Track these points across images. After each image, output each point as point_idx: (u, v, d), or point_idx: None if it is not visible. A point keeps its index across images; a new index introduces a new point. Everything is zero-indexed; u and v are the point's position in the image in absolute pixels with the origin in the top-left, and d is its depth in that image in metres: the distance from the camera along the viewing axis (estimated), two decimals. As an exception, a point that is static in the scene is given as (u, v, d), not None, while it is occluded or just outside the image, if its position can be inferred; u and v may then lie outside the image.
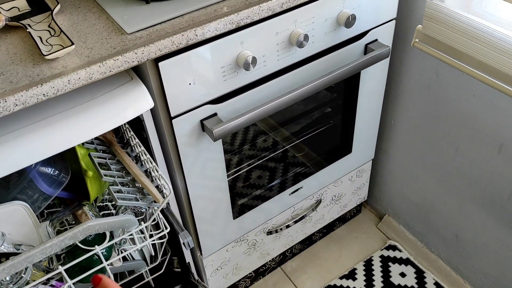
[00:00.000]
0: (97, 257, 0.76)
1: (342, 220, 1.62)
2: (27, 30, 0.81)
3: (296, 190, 1.28)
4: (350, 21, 0.97)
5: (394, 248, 1.55)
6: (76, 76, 0.72)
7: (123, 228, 0.76)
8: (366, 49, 1.09)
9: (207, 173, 1.02)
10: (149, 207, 0.82)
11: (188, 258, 1.20)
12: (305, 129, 1.26)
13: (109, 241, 0.75)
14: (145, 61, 0.78)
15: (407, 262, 1.50)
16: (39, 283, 0.76)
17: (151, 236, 0.91)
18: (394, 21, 1.10)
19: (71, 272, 0.77)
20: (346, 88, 1.19)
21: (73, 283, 0.73)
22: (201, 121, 0.92)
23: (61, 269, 0.71)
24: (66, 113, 0.76)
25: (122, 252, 0.86)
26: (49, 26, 0.83)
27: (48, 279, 0.81)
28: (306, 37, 0.92)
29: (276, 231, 1.33)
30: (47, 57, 0.74)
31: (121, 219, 0.73)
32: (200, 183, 1.02)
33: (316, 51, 1.01)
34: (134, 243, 0.87)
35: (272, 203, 1.24)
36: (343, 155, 1.32)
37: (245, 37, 0.87)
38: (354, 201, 1.54)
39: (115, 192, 0.78)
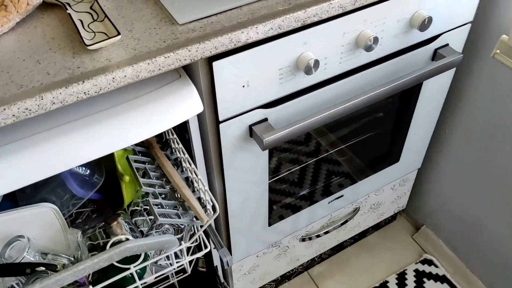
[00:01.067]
0: (130, 275, 0.68)
1: (375, 227, 1.53)
2: (67, 11, 0.72)
3: (336, 198, 1.19)
4: (425, 24, 0.86)
5: (430, 262, 1.46)
6: (121, 74, 0.63)
7: (162, 249, 0.68)
8: (435, 55, 0.97)
9: (248, 179, 0.93)
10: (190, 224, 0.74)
11: (216, 261, 1.13)
12: (353, 133, 1.16)
13: (144, 259, 0.67)
14: (198, 59, 0.68)
15: (443, 279, 1.41)
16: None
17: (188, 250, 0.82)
18: (469, 25, 0.98)
19: None
20: (404, 94, 1.08)
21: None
22: (250, 126, 0.82)
23: None
24: (106, 113, 0.67)
25: (155, 265, 0.79)
26: (91, 8, 0.74)
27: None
28: (376, 40, 0.81)
29: (310, 238, 1.25)
30: (89, 48, 0.65)
31: (161, 241, 0.65)
32: (240, 189, 0.94)
33: (382, 55, 0.90)
34: (169, 259, 0.79)
35: (310, 211, 1.16)
36: (390, 164, 1.22)
37: (309, 37, 0.77)
38: (392, 209, 1.45)
39: (155, 206, 0.70)
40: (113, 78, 0.63)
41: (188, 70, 0.77)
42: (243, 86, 0.76)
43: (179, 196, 0.77)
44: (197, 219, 0.72)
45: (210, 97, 0.76)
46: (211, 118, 0.79)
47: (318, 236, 1.25)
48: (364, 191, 1.25)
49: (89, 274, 0.68)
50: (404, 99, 1.09)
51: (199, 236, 0.78)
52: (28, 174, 0.60)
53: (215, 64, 0.71)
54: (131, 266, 0.66)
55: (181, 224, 0.75)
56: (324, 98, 0.88)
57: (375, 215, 1.40)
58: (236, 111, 0.79)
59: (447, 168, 1.31)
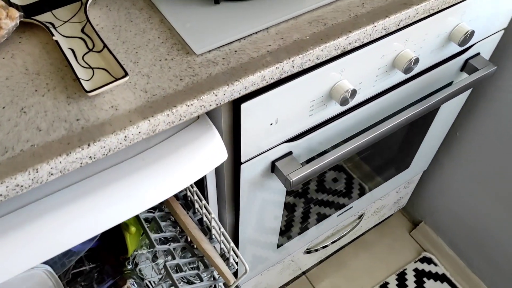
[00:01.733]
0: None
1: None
2: (53, 37, 0.57)
3: (345, 211, 1.11)
4: (467, 39, 0.75)
5: (429, 261, 1.42)
6: (135, 131, 0.50)
7: None
8: (465, 65, 0.88)
9: (263, 212, 0.83)
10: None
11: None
12: (368, 147, 1.07)
13: None
14: (225, 103, 0.56)
15: (443, 278, 1.39)
16: None
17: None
18: (502, 32, 0.89)
19: None
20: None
21: None
22: (273, 162, 0.71)
23: None
24: (112, 172, 0.54)
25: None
26: (83, 31, 0.59)
27: None
28: (416, 61, 0.71)
29: (316, 250, 1.17)
30: (90, 94, 0.51)
31: None
32: (253, 221, 0.84)
33: (415, 72, 0.79)
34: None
35: (318, 226, 1.07)
36: (400, 171, 1.15)
37: (347, 64, 0.65)
38: (393, 209, 1.39)
39: (173, 271, 0.59)
40: (125, 137, 0.50)
41: (203, 104, 0.64)
42: (271, 124, 0.64)
43: (194, 246, 0.67)
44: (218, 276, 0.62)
45: (231, 138, 0.64)
46: (231, 160, 0.67)
47: (323, 247, 1.18)
48: (372, 199, 1.17)
49: None
50: (423, 109, 1.00)
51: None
52: (13, 266, 0.47)
53: (244, 106, 0.58)
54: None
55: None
56: (352, 122, 0.78)
57: (376, 217, 1.35)
58: (260, 149, 0.67)
59: (453, 170, 1.25)
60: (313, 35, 0.61)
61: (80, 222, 0.51)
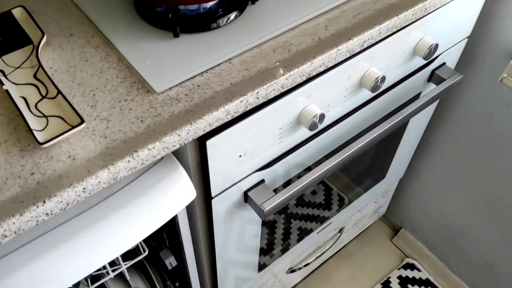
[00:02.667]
0: None
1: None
2: (3, 86, 0.54)
3: (324, 228, 1.09)
4: (431, 52, 0.75)
5: (412, 267, 1.42)
6: (94, 181, 0.48)
7: None
8: (432, 75, 0.88)
9: (240, 241, 0.81)
10: None
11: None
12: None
13: None
14: (189, 141, 0.54)
15: (427, 283, 1.39)
16: None
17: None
18: (465, 40, 0.89)
19: None
20: (394, 114, 0.99)
21: None
22: (245, 192, 0.69)
23: None
24: (72, 224, 0.51)
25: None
26: (35, 77, 0.56)
27: None
28: (383, 79, 0.70)
29: (299, 269, 1.16)
30: (44, 146, 0.48)
31: None
32: (230, 252, 0.81)
33: (384, 88, 0.79)
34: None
35: (299, 246, 1.06)
36: (377, 182, 1.14)
37: (314, 89, 0.64)
38: (372, 219, 1.39)
39: None
40: (84, 189, 0.47)
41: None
42: (240, 156, 0.62)
43: None
44: None
45: (200, 175, 0.62)
46: (201, 196, 0.65)
47: (305, 265, 1.16)
48: (350, 213, 1.16)
49: None
50: (395, 121, 1.00)
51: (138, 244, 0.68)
52: None
53: (210, 142, 0.56)
54: None
55: None
56: (323, 143, 0.76)
57: (357, 229, 1.34)
58: (231, 182, 0.65)
59: (428, 176, 1.25)
60: (278, 63, 0.59)
61: (41, 280, 0.48)
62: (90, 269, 0.50)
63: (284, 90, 0.59)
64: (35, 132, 0.49)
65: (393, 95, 0.82)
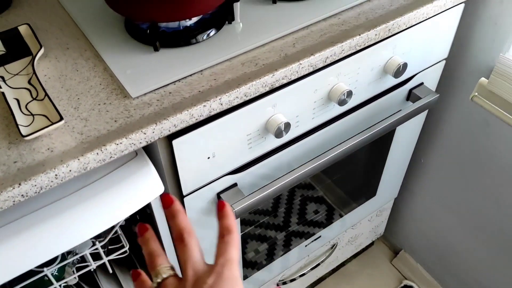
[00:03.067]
0: (47, 278, 0.69)
1: (354, 254, 1.48)
2: (0, 89, 0.63)
3: (313, 241, 1.13)
4: (400, 71, 0.80)
5: (410, 289, 1.42)
6: (65, 169, 0.55)
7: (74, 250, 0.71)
8: (410, 95, 0.92)
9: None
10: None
11: None
12: (326, 174, 1.10)
13: (59, 262, 0.66)
14: (155, 140, 0.60)
15: (424, 306, 1.38)
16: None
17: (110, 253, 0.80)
18: (443, 62, 0.93)
19: None
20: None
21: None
22: (218, 194, 0.75)
23: None
24: (49, 209, 0.58)
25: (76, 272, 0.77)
26: (29, 82, 0.64)
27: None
28: (349, 94, 0.75)
29: (290, 281, 1.19)
30: (26, 138, 0.56)
31: None
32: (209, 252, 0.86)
33: (355, 104, 0.84)
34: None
35: (285, 257, 1.09)
36: (366, 200, 1.17)
37: (278, 99, 0.70)
38: (370, 238, 1.41)
39: None
40: (56, 175, 0.54)
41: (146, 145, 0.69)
42: (208, 158, 0.68)
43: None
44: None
45: (173, 172, 0.68)
46: (174, 193, 0.71)
47: (295, 279, 1.19)
48: (341, 229, 1.19)
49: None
50: (379, 138, 1.04)
51: (120, 234, 0.75)
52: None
53: (176, 142, 0.63)
54: (45, 269, 0.67)
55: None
56: (296, 154, 0.82)
57: (353, 247, 1.36)
58: (202, 182, 0.71)
59: (422, 196, 1.27)
60: (243, 75, 0.66)
61: (17, 255, 0.55)
62: (63, 248, 0.57)
63: (248, 98, 0.65)
64: (20, 127, 0.57)
65: (370, 111, 0.87)
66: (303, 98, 0.73)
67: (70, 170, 0.55)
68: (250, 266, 1.03)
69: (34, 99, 0.62)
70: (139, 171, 0.63)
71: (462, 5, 0.84)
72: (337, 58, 0.71)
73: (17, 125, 0.57)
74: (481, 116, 0.97)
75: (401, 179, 1.23)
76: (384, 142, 1.03)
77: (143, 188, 0.62)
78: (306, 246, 1.12)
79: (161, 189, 0.64)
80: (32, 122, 0.58)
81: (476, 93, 0.84)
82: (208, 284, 0.36)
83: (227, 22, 0.73)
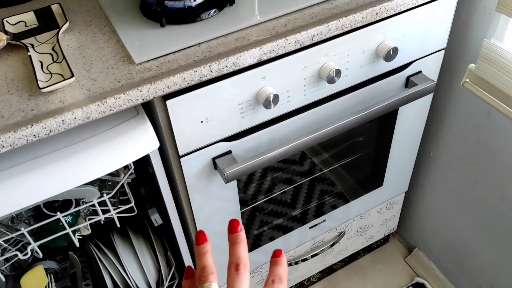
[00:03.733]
0: (61, 224, 0.81)
1: (367, 249, 1.51)
2: (28, 52, 0.74)
3: (317, 224, 1.18)
4: (391, 55, 0.85)
5: (421, 286, 1.43)
6: (71, 116, 0.65)
7: (84, 198, 0.81)
8: (408, 82, 0.97)
9: (218, 210, 0.93)
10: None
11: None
12: (332, 158, 1.15)
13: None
14: (151, 99, 0.69)
15: (434, 303, 1.39)
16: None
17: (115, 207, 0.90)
18: (442, 52, 0.97)
19: (39, 237, 0.84)
20: (381, 120, 1.08)
21: (38, 246, 0.82)
22: (213, 159, 0.83)
23: (23, 230, 0.77)
24: (59, 153, 0.68)
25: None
26: (53, 49, 0.75)
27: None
28: (338, 72, 0.81)
29: (296, 263, 1.24)
30: (42, 90, 0.66)
31: (80, 189, 0.76)
32: (210, 220, 0.94)
33: (349, 85, 0.90)
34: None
35: (290, 237, 1.15)
36: (372, 189, 1.21)
37: (268, 72, 0.77)
38: (382, 232, 1.43)
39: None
40: (63, 121, 0.64)
41: (148, 107, 0.78)
42: (202, 122, 0.77)
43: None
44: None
45: (170, 132, 0.77)
46: (172, 153, 0.80)
47: (303, 260, 1.24)
48: (347, 216, 1.24)
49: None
50: (381, 125, 1.08)
51: (127, 192, 0.86)
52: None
53: (169, 102, 0.72)
54: (58, 212, 0.78)
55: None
56: (291, 129, 0.88)
57: (363, 239, 1.39)
58: (196, 145, 0.80)
59: (433, 191, 1.29)
60: (235, 48, 0.74)
61: (29, 189, 0.65)
62: (72, 185, 0.67)
63: (236, 68, 0.73)
64: (39, 82, 0.68)
65: (364, 94, 0.92)
66: (293, 74, 0.80)
67: (75, 118, 0.65)
68: (252, 242, 1.09)
69: (55, 61, 0.73)
70: (137, 127, 0.72)
71: (456, -5, 0.88)
72: (324, 38, 0.78)
73: (36, 80, 0.68)
74: (483, 107, 0.99)
75: (410, 172, 1.25)
76: (386, 130, 1.08)
77: (140, 141, 0.71)
78: (310, 228, 1.17)
79: (156, 144, 0.72)
80: (50, 79, 0.69)
81: (467, 80, 0.87)
82: None
83: (228, 4, 0.81)
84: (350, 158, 1.16)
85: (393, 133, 1.08)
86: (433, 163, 1.24)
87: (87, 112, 0.65)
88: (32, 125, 0.63)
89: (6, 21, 0.81)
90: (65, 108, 0.65)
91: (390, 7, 0.80)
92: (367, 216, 1.30)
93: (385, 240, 1.54)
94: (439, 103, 1.11)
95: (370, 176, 1.21)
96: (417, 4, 0.83)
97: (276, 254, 0.41)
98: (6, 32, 0.80)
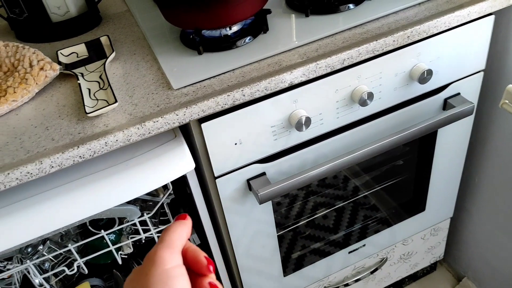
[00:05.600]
0: (105, 241, 0.84)
1: (413, 277, 1.46)
2: (78, 81, 0.81)
3: (357, 249, 1.16)
4: (425, 77, 0.85)
5: (471, 318, 1.36)
6: (113, 138, 0.69)
7: (126, 217, 0.85)
8: (446, 104, 0.96)
9: (254, 232, 0.95)
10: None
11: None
12: (372, 181, 1.15)
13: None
14: (187, 122, 0.73)
15: (485, 337, 1.31)
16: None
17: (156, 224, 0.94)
18: (481, 73, 0.96)
19: (85, 254, 0.89)
20: (421, 143, 1.06)
21: (84, 263, 0.86)
22: (248, 180, 0.85)
23: (70, 246, 0.82)
24: (101, 173, 0.73)
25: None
26: (100, 77, 0.82)
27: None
28: (370, 95, 0.82)
29: (335, 289, 1.23)
30: (88, 115, 0.72)
31: (122, 208, 0.81)
32: (246, 242, 0.96)
33: (383, 108, 0.90)
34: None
35: (328, 261, 1.14)
36: (414, 213, 1.18)
37: (299, 95, 0.80)
38: (427, 260, 1.38)
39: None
40: (106, 143, 0.69)
41: (186, 129, 0.82)
42: (236, 144, 0.79)
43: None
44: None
45: (205, 154, 0.80)
46: (208, 174, 0.83)
47: (345, 286, 1.23)
48: (389, 241, 1.21)
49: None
50: (420, 148, 1.07)
51: (167, 213, 0.91)
52: (27, 232, 0.67)
53: (204, 126, 0.75)
54: (102, 230, 0.83)
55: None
56: (324, 151, 0.89)
57: (407, 266, 1.35)
58: (231, 166, 0.82)
59: (481, 218, 1.24)
60: (267, 73, 0.77)
61: (74, 207, 0.70)
62: (112, 204, 0.72)
63: (268, 92, 0.76)
64: (86, 107, 0.73)
65: (399, 117, 0.92)
66: (325, 97, 0.82)
67: (116, 140, 0.70)
68: (290, 266, 1.10)
69: (101, 89, 0.79)
70: (175, 149, 0.76)
71: (493, 17, 0.87)
72: (355, 61, 0.79)
73: (84, 106, 0.74)
74: (526, 129, 0.96)
75: (454, 197, 1.22)
76: (425, 154, 1.06)
77: (177, 162, 0.75)
78: (349, 253, 1.16)
79: (191, 165, 0.76)
80: (96, 104, 0.75)
81: (506, 101, 0.85)
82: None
83: (262, 32, 0.85)
84: (390, 181, 1.15)
85: (433, 157, 1.06)
86: (479, 188, 1.20)
87: (128, 135, 0.70)
88: (78, 147, 0.68)
89: (60, 52, 0.89)
90: (108, 131, 0.70)
91: (422, 30, 0.81)
92: (410, 242, 1.27)
93: (432, 268, 1.48)
94: (481, 126, 1.08)
95: (412, 201, 1.18)
96: (450, 27, 0.83)
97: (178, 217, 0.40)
98: (59, 63, 0.87)
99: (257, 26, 0.85)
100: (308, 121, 0.79)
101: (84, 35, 0.99)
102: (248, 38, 0.83)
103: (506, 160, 1.06)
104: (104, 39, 0.91)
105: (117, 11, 1.07)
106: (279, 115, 0.80)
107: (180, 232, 0.38)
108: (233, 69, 0.79)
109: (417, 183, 1.14)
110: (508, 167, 1.06)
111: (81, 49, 0.91)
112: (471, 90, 0.97)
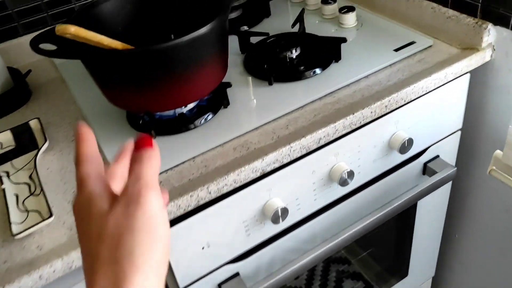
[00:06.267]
0: None
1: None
2: (2, 185, 0.66)
3: (341, 326, 1.05)
4: (406, 146, 0.77)
5: None
6: (49, 270, 0.55)
7: None
8: (426, 169, 0.88)
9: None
10: None
11: None
12: (350, 252, 1.05)
13: None
14: (142, 233, 0.60)
15: None
16: None
17: None
18: (459, 133, 0.89)
19: None
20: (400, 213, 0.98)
21: None
22: (219, 285, 0.72)
23: None
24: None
25: None
26: (30, 177, 0.67)
27: None
28: (351, 174, 0.73)
29: None
30: (16, 237, 0.57)
31: None
32: None
33: (362, 182, 0.81)
34: None
35: None
36: (398, 280, 1.09)
37: (273, 183, 0.69)
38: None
39: None
40: (40, 276, 0.55)
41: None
42: (203, 248, 0.67)
43: None
44: None
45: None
46: (172, 285, 0.70)
47: None
48: (372, 312, 1.11)
49: None
50: (400, 216, 0.98)
51: None
52: None
53: (164, 234, 0.62)
54: None
55: None
56: (302, 237, 0.78)
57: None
58: (199, 274, 0.69)
59: (462, 274, 1.17)
60: (234, 160, 0.65)
61: None
62: None
63: (238, 185, 0.64)
64: (12, 225, 0.59)
65: (380, 189, 0.83)
66: (301, 181, 0.71)
67: (54, 271, 0.55)
68: None
69: (32, 194, 0.64)
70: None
71: (468, 75, 0.81)
72: (331, 139, 0.70)
73: (9, 222, 0.59)
74: (505, 188, 0.90)
75: (435, 257, 1.14)
76: (407, 220, 0.98)
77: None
78: (333, 332, 1.04)
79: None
80: (26, 218, 0.60)
81: (494, 167, 0.78)
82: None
83: (222, 106, 0.74)
84: (371, 250, 1.05)
85: (414, 222, 0.98)
86: (459, 245, 1.13)
87: (68, 262, 0.56)
88: (3, 286, 0.53)
89: (-20, 146, 0.74)
90: (42, 258, 0.56)
91: (399, 98, 0.73)
92: (393, 308, 1.17)
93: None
94: (460, 184, 1.02)
95: (394, 267, 1.09)
96: (428, 90, 0.76)
97: (138, 144, 0.34)
98: (-21, 160, 0.72)
99: (216, 101, 0.74)
100: (285, 212, 0.68)
101: (10, 116, 0.84)
102: (208, 115, 0.72)
103: (487, 220, 1.00)
104: (34, 124, 0.77)
105: (50, 79, 0.92)
106: (251, 208, 0.69)
107: (156, 167, 0.33)
108: (193, 157, 0.67)
109: (398, 250, 1.06)
110: (490, 227, 1.00)
111: (6, 138, 0.76)
112: (449, 150, 0.91)
